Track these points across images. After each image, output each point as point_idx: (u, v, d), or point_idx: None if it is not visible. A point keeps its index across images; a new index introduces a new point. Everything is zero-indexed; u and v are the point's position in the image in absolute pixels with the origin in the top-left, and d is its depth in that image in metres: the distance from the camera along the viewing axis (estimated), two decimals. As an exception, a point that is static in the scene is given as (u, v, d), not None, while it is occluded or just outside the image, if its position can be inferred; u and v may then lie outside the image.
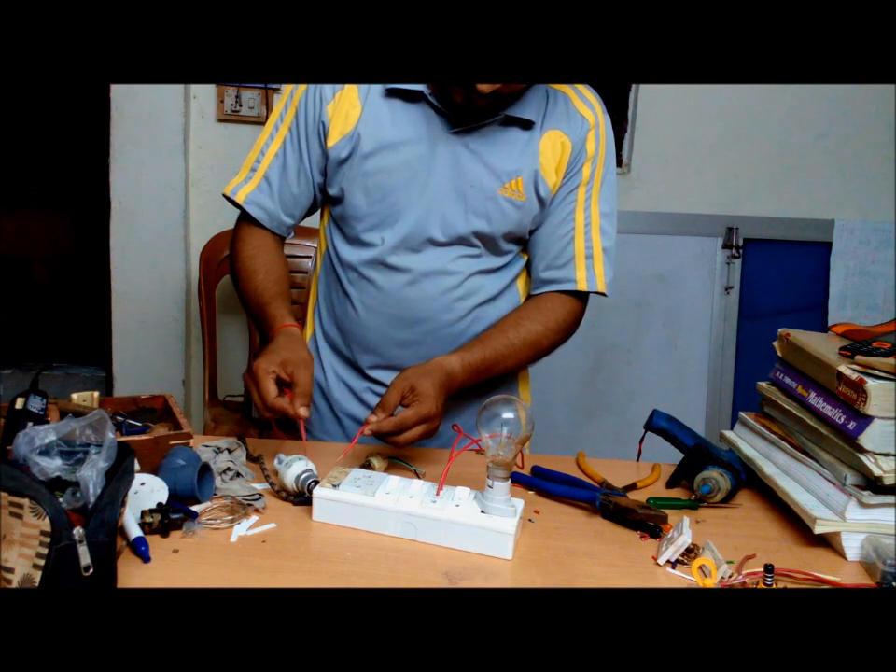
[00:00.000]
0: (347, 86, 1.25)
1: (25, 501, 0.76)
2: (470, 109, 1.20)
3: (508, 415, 1.00)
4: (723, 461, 1.16)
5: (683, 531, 0.98)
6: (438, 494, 1.02)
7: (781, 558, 1.01)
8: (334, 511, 1.02)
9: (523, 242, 1.35)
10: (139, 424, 1.20)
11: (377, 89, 1.25)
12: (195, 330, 2.60)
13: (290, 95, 1.30)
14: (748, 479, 1.20)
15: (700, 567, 0.92)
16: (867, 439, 0.99)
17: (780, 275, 2.77)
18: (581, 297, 1.36)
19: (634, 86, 2.67)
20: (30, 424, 0.94)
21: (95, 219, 2.75)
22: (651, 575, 0.96)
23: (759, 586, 0.92)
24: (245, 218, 1.35)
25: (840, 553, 1.03)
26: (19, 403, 0.99)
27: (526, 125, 1.25)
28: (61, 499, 0.79)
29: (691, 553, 0.99)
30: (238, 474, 1.10)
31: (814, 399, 1.11)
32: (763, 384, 1.27)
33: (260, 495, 1.06)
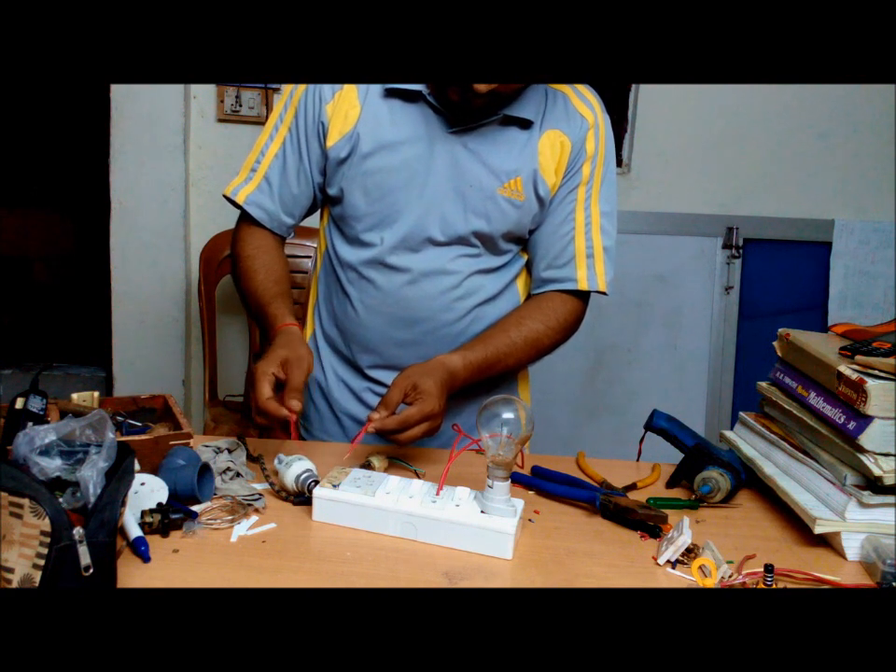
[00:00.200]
0: (346, 86, 1.25)
1: (25, 501, 0.76)
2: (468, 109, 1.20)
3: (508, 415, 1.00)
4: (723, 461, 1.16)
5: (683, 531, 0.98)
6: (438, 494, 1.02)
7: (781, 558, 1.01)
8: (334, 511, 1.02)
9: (522, 241, 1.35)
10: (139, 424, 1.20)
11: (376, 89, 1.25)
12: (195, 330, 2.60)
13: (290, 96, 1.30)
14: (748, 479, 1.20)
15: (700, 567, 0.92)
16: (867, 439, 0.99)
17: (780, 275, 2.77)
18: (582, 296, 1.36)
19: (634, 86, 2.67)
20: (30, 424, 0.94)
21: (95, 219, 2.75)
22: (651, 575, 0.96)
23: (759, 586, 0.92)
24: (245, 219, 1.36)
25: (840, 553, 1.03)
26: (19, 403, 0.99)
27: (525, 125, 1.25)
28: (61, 499, 0.79)
29: (691, 552, 0.99)
30: (238, 474, 1.10)
31: (814, 399, 1.11)
32: (763, 384, 1.27)
33: (260, 495, 1.06)
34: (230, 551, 0.95)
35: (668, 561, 0.98)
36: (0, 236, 3.20)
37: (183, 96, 2.44)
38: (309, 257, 2.38)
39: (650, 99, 2.63)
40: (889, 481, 0.99)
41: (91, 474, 0.80)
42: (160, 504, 0.98)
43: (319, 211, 1.40)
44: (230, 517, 1.01)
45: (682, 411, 1.54)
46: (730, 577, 0.93)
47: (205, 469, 1.05)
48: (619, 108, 2.68)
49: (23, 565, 0.76)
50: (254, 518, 1.02)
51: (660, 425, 1.27)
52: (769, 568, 0.92)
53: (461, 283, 1.31)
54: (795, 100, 2.63)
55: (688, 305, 2.76)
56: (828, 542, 1.06)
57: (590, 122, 1.29)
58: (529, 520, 1.07)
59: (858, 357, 1.05)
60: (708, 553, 0.96)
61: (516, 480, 1.15)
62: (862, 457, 1.00)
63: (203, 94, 2.50)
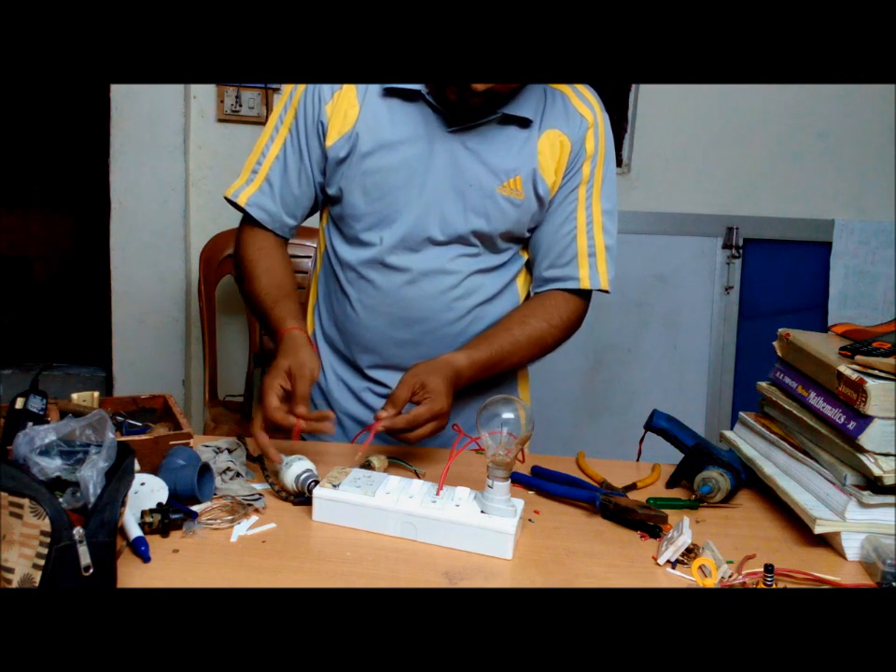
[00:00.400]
0: (345, 86, 1.25)
1: (25, 501, 0.76)
2: (466, 108, 1.20)
3: (508, 415, 1.00)
4: (723, 461, 1.16)
5: (683, 531, 0.98)
6: (438, 494, 1.02)
7: (781, 558, 1.01)
8: (334, 511, 1.02)
9: (521, 241, 1.35)
10: (139, 424, 1.20)
11: (375, 88, 1.25)
12: (195, 330, 2.60)
13: (289, 96, 1.30)
14: (748, 479, 1.20)
15: (700, 567, 0.92)
16: (867, 439, 0.99)
17: (780, 275, 2.77)
18: (584, 295, 1.36)
19: (634, 86, 2.67)
20: (30, 424, 0.94)
21: (95, 219, 2.75)
22: (651, 575, 0.96)
23: (759, 586, 0.92)
24: (247, 221, 1.36)
25: (840, 553, 1.03)
26: (19, 403, 0.99)
27: (524, 123, 1.25)
28: (61, 499, 0.79)
29: (691, 552, 0.99)
30: (238, 474, 1.10)
31: (814, 399, 1.11)
32: (763, 384, 1.27)
33: (260, 495, 1.06)
34: (230, 551, 0.95)
35: (668, 561, 0.98)
36: (0, 236, 3.20)
37: (183, 96, 2.44)
38: (309, 257, 2.38)
39: (650, 99, 2.63)
40: (888, 481, 0.99)
41: (91, 474, 0.80)
42: (160, 504, 0.98)
43: (319, 210, 1.40)
44: (230, 517, 1.01)
45: (682, 411, 1.54)
46: (730, 577, 0.93)
47: (205, 469, 1.05)
48: (619, 108, 2.68)
49: (23, 565, 0.76)
50: (254, 518, 1.02)
51: (660, 425, 1.27)
52: (769, 568, 0.92)
53: (461, 282, 1.31)
54: (795, 100, 2.63)
55: (688, 305, 2.76)
56: (828, 542, 1.06)
57: (589, 122, 1.29)
58: (529, 520, 1.07)
59: (858, 357, 1.05)
60: (708, 553, 0.96)
61: (516, 480, 1.15)
62: (862, 457, 1.00)
63: (203, 94, 2.50)
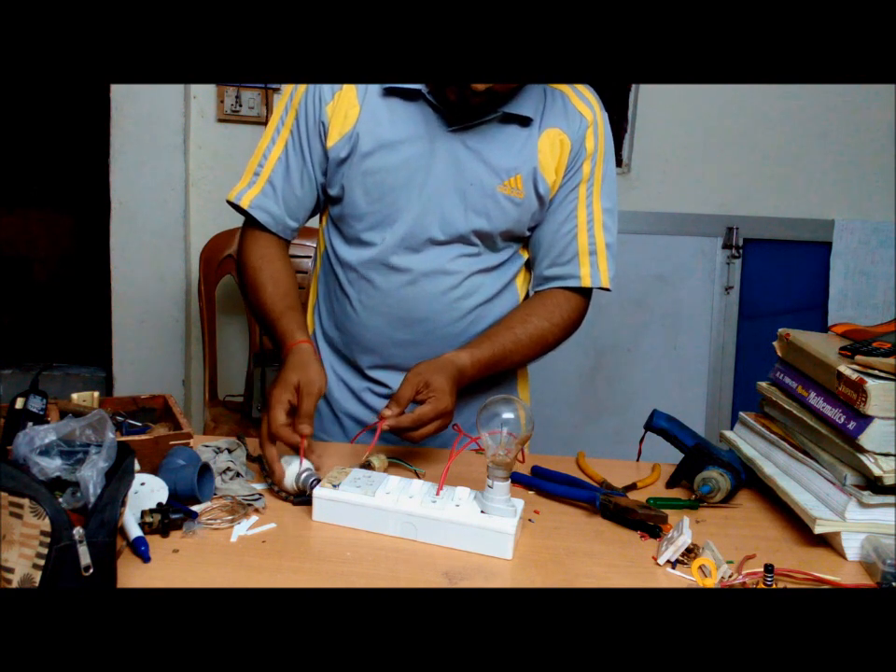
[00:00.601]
0: (346, 86, 1.25)
1: (25, 501, 0.76)
2: (466, 108, 1.20)
3: (508, 415, 1.00)
4: (723, 461, 1.16)
5: (683, 531, 0.98)
6: (438, 494, 1.02)
7: (781, 558, 1.01)
8: (334, 511, 1.02)
9: (521, 240, 1.35)
10: (139, 424, 1.20)
11: (375, 88, 1.25)
12: (195, 330, 2.60)
13: (290, 98, 1.30)
14: (748, 479, 1.20)
15: (700, 567, 0.92)
16: (867, 439, 0.99)
17: (780, 275, 2.77)
18: (585, 293, 1.37)
19: (634, 86, 2.67)
20: (30, 424, 0.94)
21: (95, 219, 2.75)
22: (651, 575, 0.96)
23: (759, 586, 0.92)
24: (249, 224, 1.35)
25: (840, 553, 1.03)
26: (19, 403, 0.99)
27: (525, 122, 1.26)
28: (61, 499, 0.79)
29: (691, 552, 0.99)
30: (238, 474, 1.10)
31: (814, 399, 1.11)
32: (763, 384, 1.27)
33: (260, 495, 1.06)
34: (230, 551, 0.95)
35: (668, 561, 0.98)
36: (0, 236, 3.20)
37: (183, 96, 2.44)
38: (309, 257, 2.38)
39: (650, 99, 2.63)
40: (889, 481, 0.99)
41: (91, 474, 0.80)
42: (160, 504, 0.98)
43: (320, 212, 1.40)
44: (230, 517, 1.01)
45: (682, 411, 1.54)
46: (730, 577, 0.93)
47: (205, 469, 1.05)
48: (619, 108, 2.67)
49: (23, 565, 0.76)
50: (254, 518, 1.02)
51: (660, 425, 1.27)
52: (769, 568, 0.92)
53: (461, 283, 1.31)
54: (795, 100, 2.63)
55: (688, 305, 2.76)
56: (828, 542, 1.06)
57: (589, 120, 1.29)
58: (529, 520, 1.07)
59: (858, 357, 1.05)
60: (708, 553, 0.96)
61: (516, 480, 1.15)
62: (862, 457, 1.00)
63: (203, 94, 2.49)
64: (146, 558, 0.90)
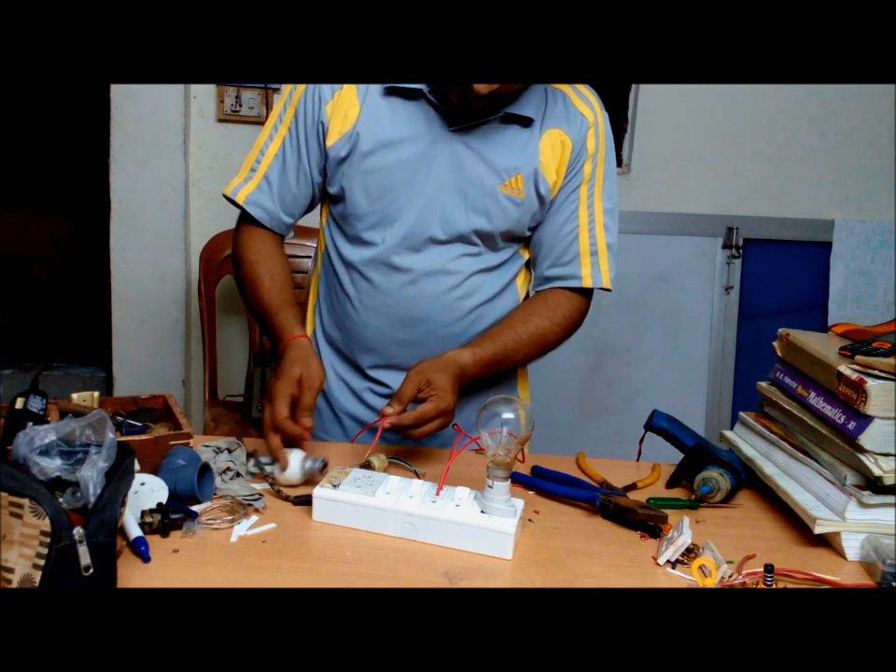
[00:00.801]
0: (346, 85, 1.25)
1: (25, 501, 0.76)
2: (467, 110, 1.20)
3: (508, 415, 1.00)
4: (723, 461, 1.16)
5: (683, 531, 0.98)
6: (438, 494, 1.02)
7: (781, 558, 1.01)
8: (334, 511, 1.02)
9: (521, 240, 1.35)
10: (139, 424, 1.20)
11: (376, 88, 1.25)
12: (195, 330, 2.60)
13: (289, 95, 1.30)
14: (748, 479, 1.20)
15: (700, 567, 0.92)
16: (867, 439, 0.99)
17: (780, 275, 2.77)
18: (586, 293, 1.37)
19: (634, 86, 2.67)
20: (30, 424, 0.94)
21: (95, 219, 2.75)
22: (651, 575, 0.96)
23: (759, 586, 0.92)
24: (245, 219, 1.36)
25: (840, 553, 1.03)
26: (19, 403, 0.99)
27: (526, 122, 1.26)
28: (61, 499, 0.79)
29: (691, 552, 0.99)
30: (238, 474, 1.10)
31: (814, 399, 1.11)
32: (763, 384, 1.27)
33: (260, 495, 1.06)
34: (230, 551, 0.95)
35: (668, 561, 0.98)
36: (0, 236, 3.20)
37: (183, 96, 2.44)
38: (309, 257, 2.38)
39: (650, 99, 2.63)
40: (888, 481, 0.99)
41: (91, 474, 0.80)
42: (160, 504, 0.98)
43: (319, 210, 1.40)
44: (230, 517, 1.01)
45: (682, 411, 1.54)
46: (730, 577, 0.93)
47: (205, 469, 1.05)
48: (619, 108, 2.67)
49: (23, 565, 0.76)
50: (254, 518, 1.02)
51: (660, 425, 1.27)
52: (769, 568, 0.92)
53: (462, 283, 1.31)
54: (795, 100, 2.63)
55: (688, 305, 2.76)
56: (828, 542, 1.06)
57: (590, 121, 1.29)
58: (529, 520, 1.07)
59: (858, 357, 1.05)
60: (708, 553, 0.96)
61: (516, 480, 1.15)
62: (862, 457, 1.00)
63: (203, 94, 2.50)
64: (146, 558, 0.90)
